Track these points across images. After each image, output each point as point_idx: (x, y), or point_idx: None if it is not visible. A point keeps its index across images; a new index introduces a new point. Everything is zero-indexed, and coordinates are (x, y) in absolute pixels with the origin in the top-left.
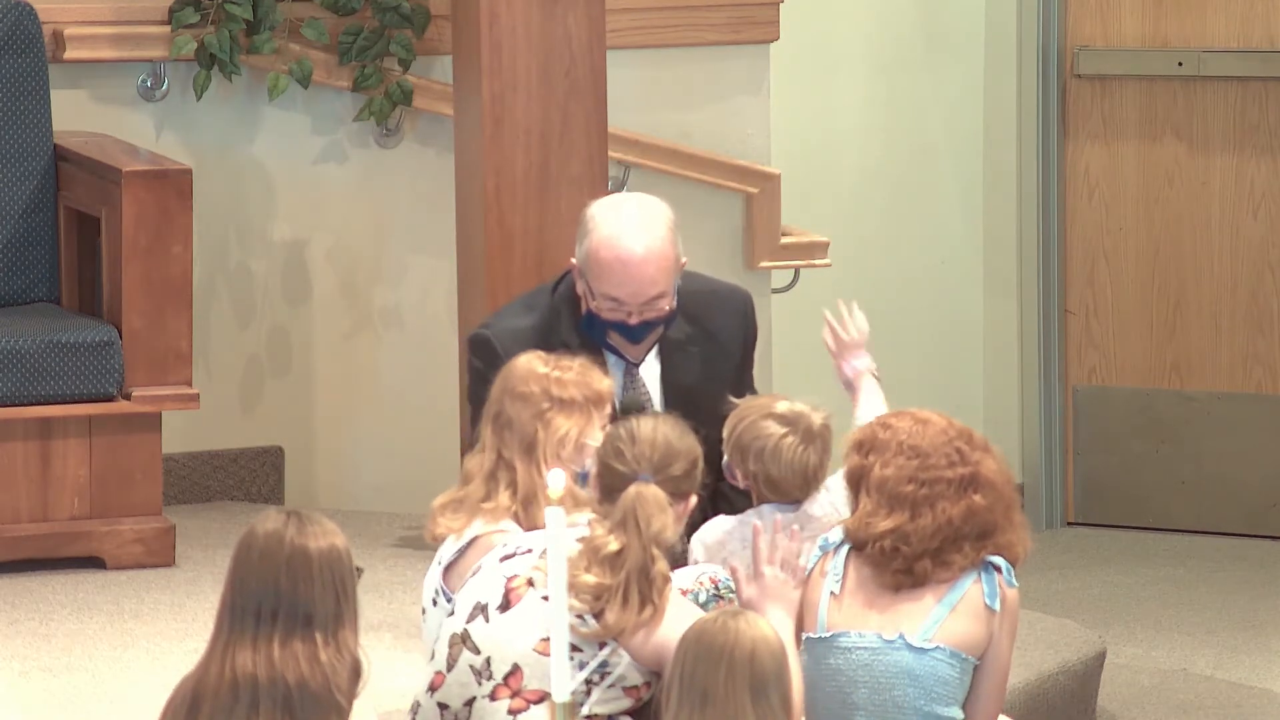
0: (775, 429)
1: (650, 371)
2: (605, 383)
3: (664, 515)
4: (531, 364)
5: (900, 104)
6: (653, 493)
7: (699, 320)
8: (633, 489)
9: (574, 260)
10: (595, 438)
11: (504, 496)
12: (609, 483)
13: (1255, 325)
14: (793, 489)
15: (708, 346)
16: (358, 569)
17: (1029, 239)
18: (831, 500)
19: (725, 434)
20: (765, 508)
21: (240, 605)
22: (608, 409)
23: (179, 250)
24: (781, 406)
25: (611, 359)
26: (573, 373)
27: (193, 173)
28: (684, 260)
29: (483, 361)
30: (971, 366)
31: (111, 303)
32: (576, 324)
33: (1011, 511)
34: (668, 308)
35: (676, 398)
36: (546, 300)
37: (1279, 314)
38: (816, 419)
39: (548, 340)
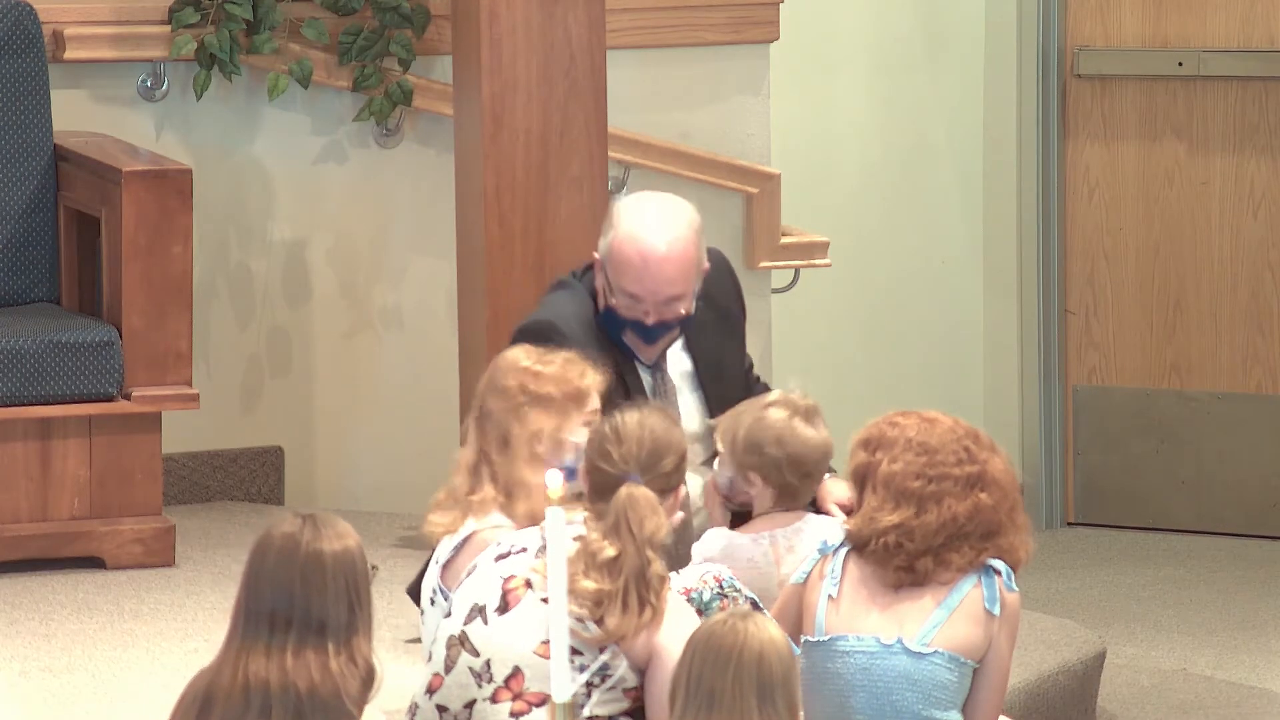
0: (779, 414)
1: (676, 363)
2: (588, 379)
3: (656, 516)
4: (516, 357)
5: (900, 104)
6: (643, 494)
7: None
8: (623, 492)
9: (596, 254)
10: (576, 434)
11: (488, 489)
12: (598, 482)
13: (1255, 325)
14: (817, 467)
15: (714, 313)
16: (373, 566)
17: (1029, 239)
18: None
19: (725, 448)
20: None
21: (255, 610)
22: (590, 405)
23: (179, 250)
24: (770, 397)
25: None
26: (554, 367)
27: (193, 173)
28: (706, 265)
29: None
30: (971, 366)
31: (111, 303)
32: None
33: (1015, 513)
34: (684, 310)
35: (711, 373)
36: (582, 289)
37: (1279, 314)
38: (802, 399)
39: (593, 326)
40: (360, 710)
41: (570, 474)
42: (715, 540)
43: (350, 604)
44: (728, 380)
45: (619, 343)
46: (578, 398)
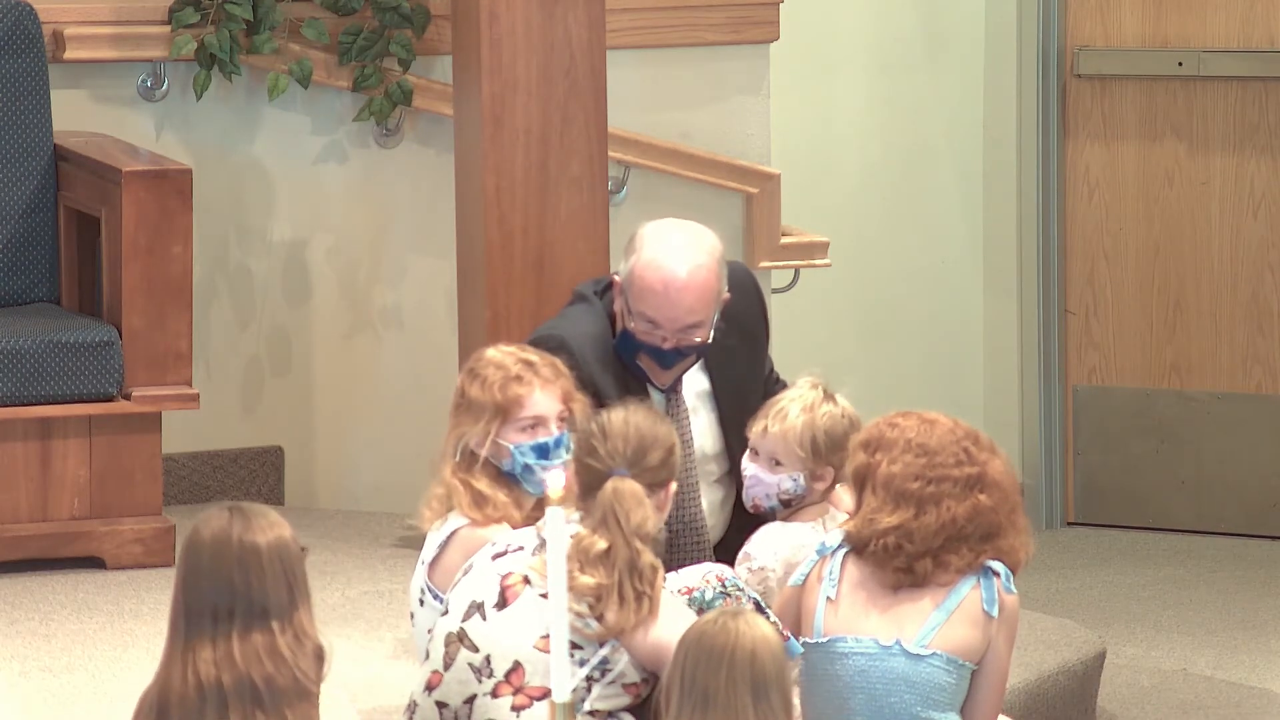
0: (833, 407)
1: (693, 383)
2: (523, 390)
3: (642, 508)
4: (482, 352)
5: (900, 104)
6: (628, 487)
7: (724, 313)
8: (608, 486)
9: (616, 276)
10: (511, 440)
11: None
12: (587, 480)
13: (1255, 325)
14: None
15: (737, 334)
16: (303, 548)
17: (1029, 239)
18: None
19: (793, 455)
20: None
21: (195, 608)
22: (523, 415)
23: (179, 250)
24: (808, 399)
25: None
26: (497, 374)
27: (193, 173)
28: (726, 294)
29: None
30: (971, 366)
31: (111, 303)
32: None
33: (1015, 515)
34: (701, 339)
35: (729, 393)
36: (601, 307)
37: (1279, 314)
38: (813, 387)
39: (609, 347)
40: (317, 687)
41: (520, 475)
42: (786, 535)
43: (289, 584)
44: (746, 402)
45: (633, 366)
46: (503, 409)
